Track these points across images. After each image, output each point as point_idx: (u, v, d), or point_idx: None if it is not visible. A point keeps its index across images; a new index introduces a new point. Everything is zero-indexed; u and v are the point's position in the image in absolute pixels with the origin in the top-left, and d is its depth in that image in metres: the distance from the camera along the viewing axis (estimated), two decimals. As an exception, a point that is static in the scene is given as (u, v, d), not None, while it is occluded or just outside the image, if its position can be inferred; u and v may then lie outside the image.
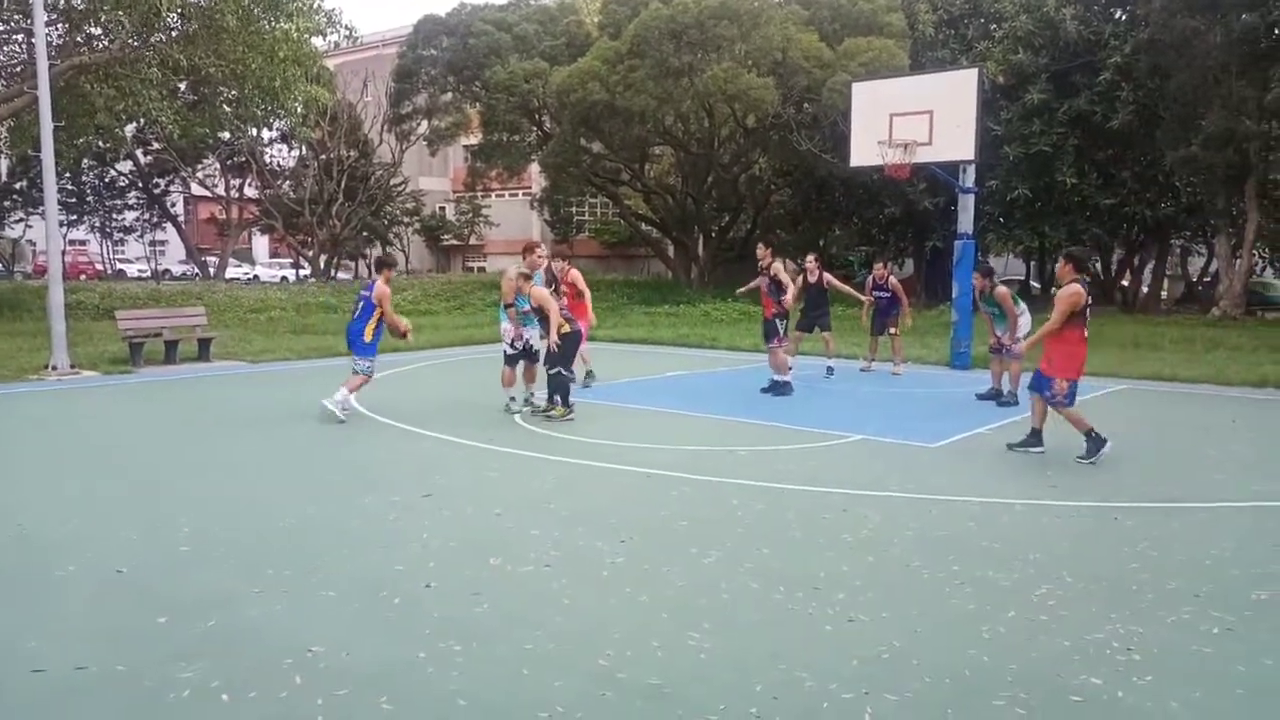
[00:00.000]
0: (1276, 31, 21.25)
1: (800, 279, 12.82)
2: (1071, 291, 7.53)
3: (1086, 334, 7.66)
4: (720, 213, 33.32)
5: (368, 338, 9.64)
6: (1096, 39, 24.36)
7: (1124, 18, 24.93)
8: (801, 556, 5.15)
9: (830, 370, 12.93)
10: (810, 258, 13.24)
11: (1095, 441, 7.56)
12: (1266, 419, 10.01)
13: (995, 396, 10.75)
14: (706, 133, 28.94)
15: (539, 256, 10.04)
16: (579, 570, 4.90)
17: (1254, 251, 25.73)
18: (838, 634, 4.10)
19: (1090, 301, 7.68)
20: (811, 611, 4.35)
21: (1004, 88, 24.57)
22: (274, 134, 34.98)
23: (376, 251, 42.60)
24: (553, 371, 9.52)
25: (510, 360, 9.92)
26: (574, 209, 41.81)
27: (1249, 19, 20.71)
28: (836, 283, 13.32)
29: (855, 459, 7.88)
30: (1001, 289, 10.67)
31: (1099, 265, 31.90)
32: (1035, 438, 7.93)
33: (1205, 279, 32.01)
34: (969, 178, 14.21)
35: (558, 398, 9.52)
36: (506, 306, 9.85)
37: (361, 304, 9.77)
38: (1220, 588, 4.67)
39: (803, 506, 6.21)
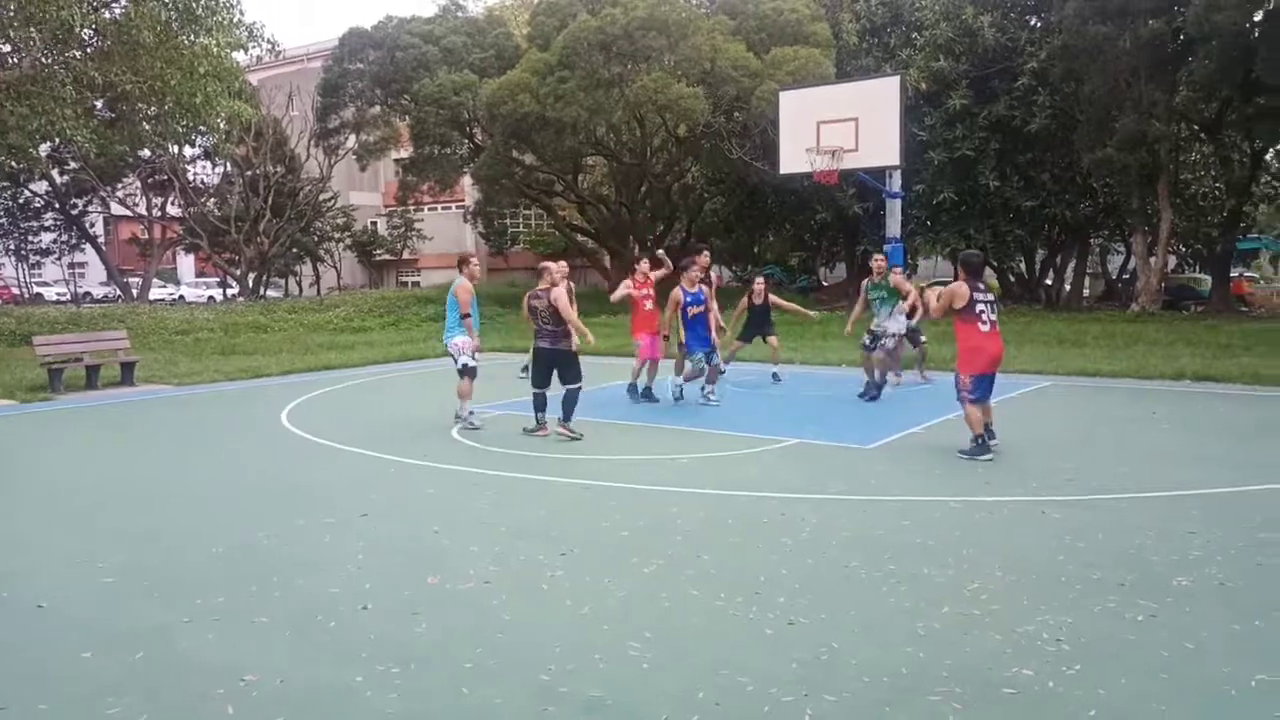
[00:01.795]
0: (1182, 37, 22.12)
1: (745, 299, 12.87)
2: (952, 287, 7.87)
3: (984, 329, 7.70)
4: (655, 222, 33.50)
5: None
6: (1013, 46, 25.10)
7: (1039, 25, 25.75)
8: (741, 561, 5.18)
9: (776, 376, 12.97)
10: (759, 280, 13.21)
11: (979, 446, 7.72)
12: (1184, 410, 10.38)
13: (878, 389, 11.13)
14: (639, 142, 29.09)
15: (475, 268, 10.14)
16: (519, 585, 4.87)
17: (1169, 248, 26.70)
18: (778, 637, 4.13)
19: (983, 299, 7.75)
20: (752, 616, 4.38)
21: (926, 94, 25.17)
22: (197, 151, 34.24)
23: (307, 268, 41.98)
24: (572, 387, 9.11)
25: (472, 372, 9.80)
26: (508, 221, 41.65)
27: (1155, 25, 21.55)
28: (782, 303, 13.37)
29: (793, 463, 7.96)
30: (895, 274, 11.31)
31: (1024, 265, 32.84)
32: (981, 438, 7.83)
33: (1124, 276, 33.13)
34: (895, 182, 14.51)
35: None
36: (464, 317, 9.74)
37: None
38: (1143, 576, 4.82)
39: (742, 512, 6.26)
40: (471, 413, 9.81)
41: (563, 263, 9.90)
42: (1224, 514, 5.96)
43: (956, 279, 8.04)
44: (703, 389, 10.95)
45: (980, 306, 7.74)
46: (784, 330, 20.96)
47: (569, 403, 9.09)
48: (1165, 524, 5.74)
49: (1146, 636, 4.06)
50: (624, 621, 4.33)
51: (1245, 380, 12.19)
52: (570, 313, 9.05)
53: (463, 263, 10.03)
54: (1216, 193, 27.71)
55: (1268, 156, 27.64)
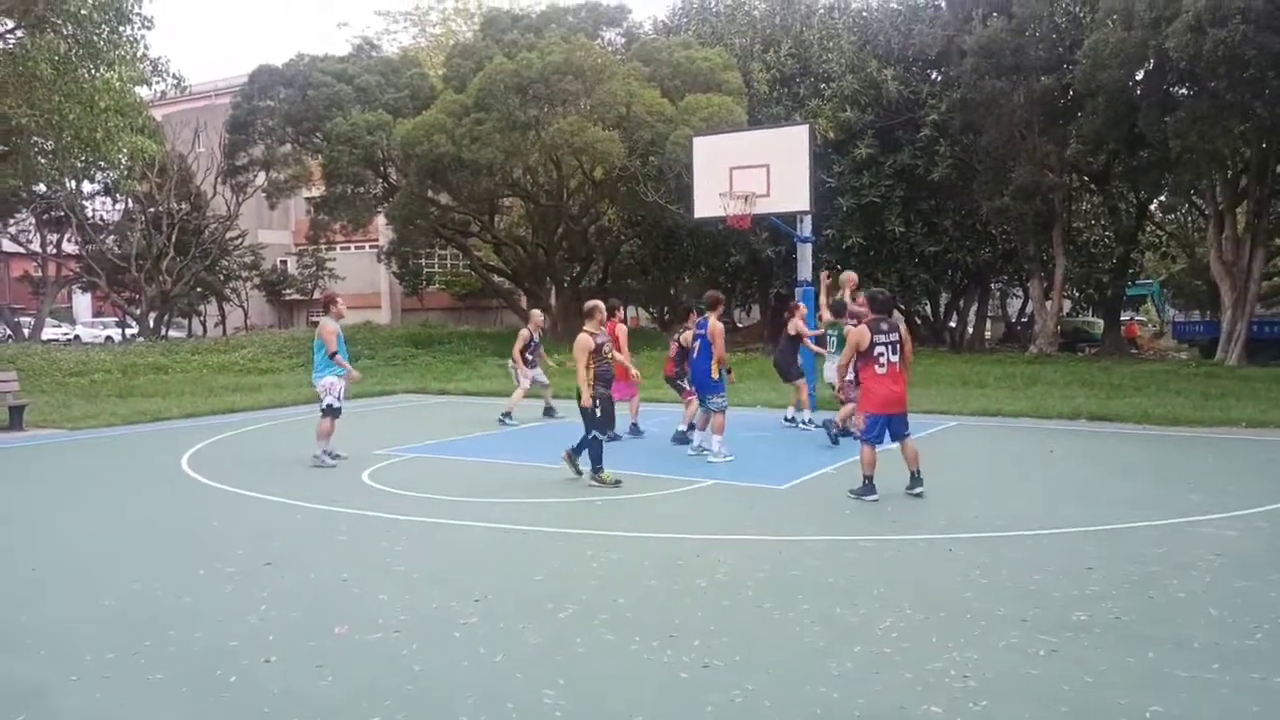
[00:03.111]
0: (1071, 93, 23.35)
1: (675, 344, 12.54)
2: (854, 331, 8.03)
3: (879, 371, 7.76)
4: (571, 263, 33.56)
5: (715, 376, 9.73)
6: (915, 98, 26.13)
7: (939, 79, 26.87)
8: (657, 605, 5.17)
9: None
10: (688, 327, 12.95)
11: (867, 488, 7.78)
12: (1080, 448, 10.79)
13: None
14: (555, 184, 29.20)
15: (341, 308, 10.40)
16: (430, 634, 4.75)
17: (1064, 293, 27.91)
18: (693, 680, 4.12)
19: (884, 340, 7.77)
20: (667, 660, 4.36)
21: (834, 142, 25.95)
22: (96, 187, 33.03)
23: (212, 308, 40.73)
24: (591, 436, 8.65)
25: (336, 413, 9.86)
26: (423, 261, 41.16)
27: (1047, 81, 22.70)
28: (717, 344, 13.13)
29: (709, 504, 8.00)
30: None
31: (929, 308, 33.90)
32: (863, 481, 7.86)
33: (1023, 319, 34.47)
34: (806, 227, 14.86)
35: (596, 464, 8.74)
36: (332, 356, 9.83)
37: (699, 344, 9.91)
38: (1045, 611, 4.96)
39: (658, 554, 6.25)
40: (326, 453, 9.91)
41: (340, 304, 10.29)
42: (1119, 549, 6.20)
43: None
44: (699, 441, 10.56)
45: (879, 349, 7.77)
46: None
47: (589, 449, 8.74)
48: (1065, 560, 5.94)
49: (1048, 671, 4.17)
50: (537, 669, 4.26)
51: (1136, 419, 12.75)
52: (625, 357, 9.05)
53: (329, 303, 10.34)
54: (1107, 240, 29.14)
55: (1152, 207, 29.25)
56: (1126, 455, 10.26)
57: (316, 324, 11.24)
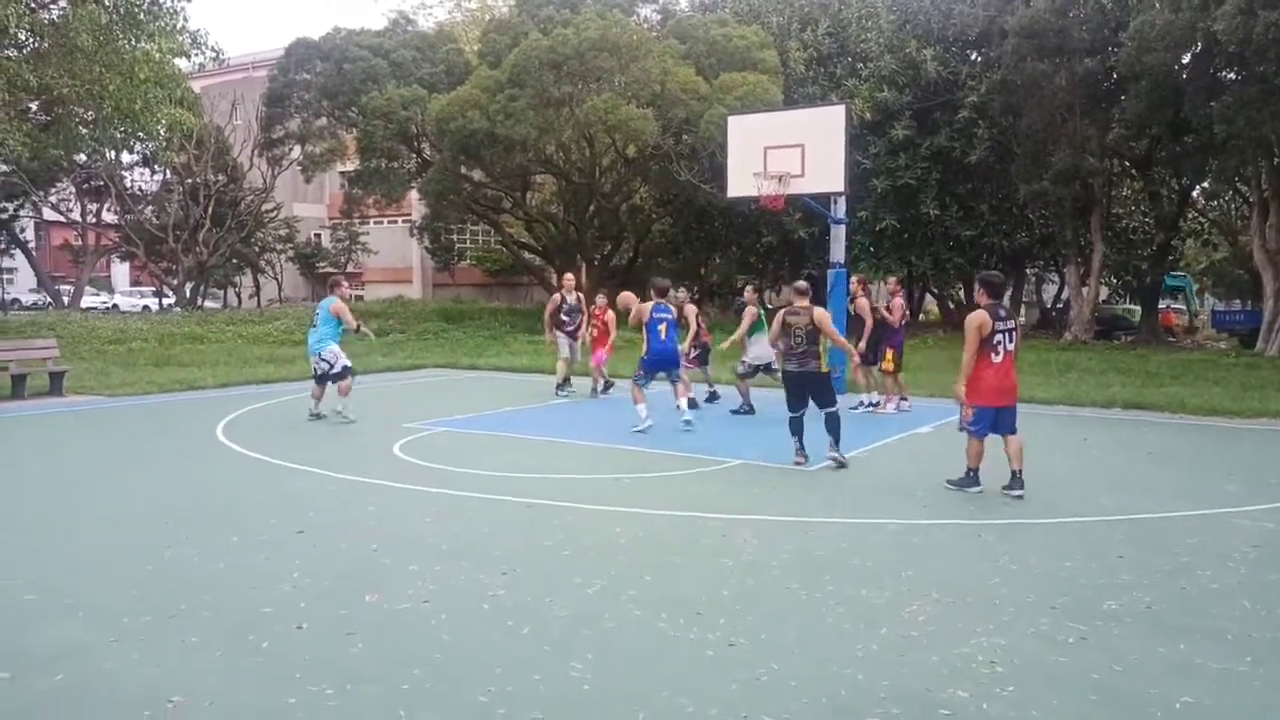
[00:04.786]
0: (1115, 76, 22.91)
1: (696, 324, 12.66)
2: (974, 316, 7.34)
3: (996, 359, 7.23)
4: (602, 241, 33.56)
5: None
6: (955, 79, 25.77)
7: (979, 60, 26.47)
8: (683, 582, 5.19)
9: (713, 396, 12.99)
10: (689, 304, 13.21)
11: (970, 479, 7.49)
12: (1114, 437, 10.67)
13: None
14: (588, 162, 29.15)
15: (345, 289, 11.82)
16: (459, 605, 4.81)
17: (1101, 280, 27.52)
18: (719, 658, 4.13)
19: (1003, 327, 7.25)
20: (693, 637, 4.38)
21: (871, 123, 25.68)
22: (135, 157, 33.45)
23: (247, 280, 41.16)
24: (832, 410, 8.45)
25: (352, 372, 11.37)
26: (455, 237, 41.33)
27: (1090, 64, 22.29)
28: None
29: (735, 484, 8.00)
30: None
31: (963, 293, 33.55)
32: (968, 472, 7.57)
33: (1059, 305, 34.04)
34: (840, 209, 14.73)
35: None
36: (356, 330, 11.32)
37: (666, 325, 10.60)
38: (1074, 599, 4.93)
39: (684, 532, 6.27)
40: (346, 408, 11.08)
41: (344, 286, 11.87)
42: (1151, 539, 6.13)
43: (977, 300, 7.54)
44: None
45: (999, 336, 7.20)
46: (731, 351, 21.14)
47: (835, 427, 8.43)
48: (1096, 548, 5.89)
49: (1077, 659, 4.14)
50: (565, 642, 4.30)
51: (1172, 409, 12.57)
52: (837, 335, 8.75)
53: (335, 286, 11.93)
54: (1147, 227, 28.67)
55: (1194, 193, 28.70)
56: (1162, 445, 10.13)
57: (351, 298, 12.31)
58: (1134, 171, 27.22)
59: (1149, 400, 13.13)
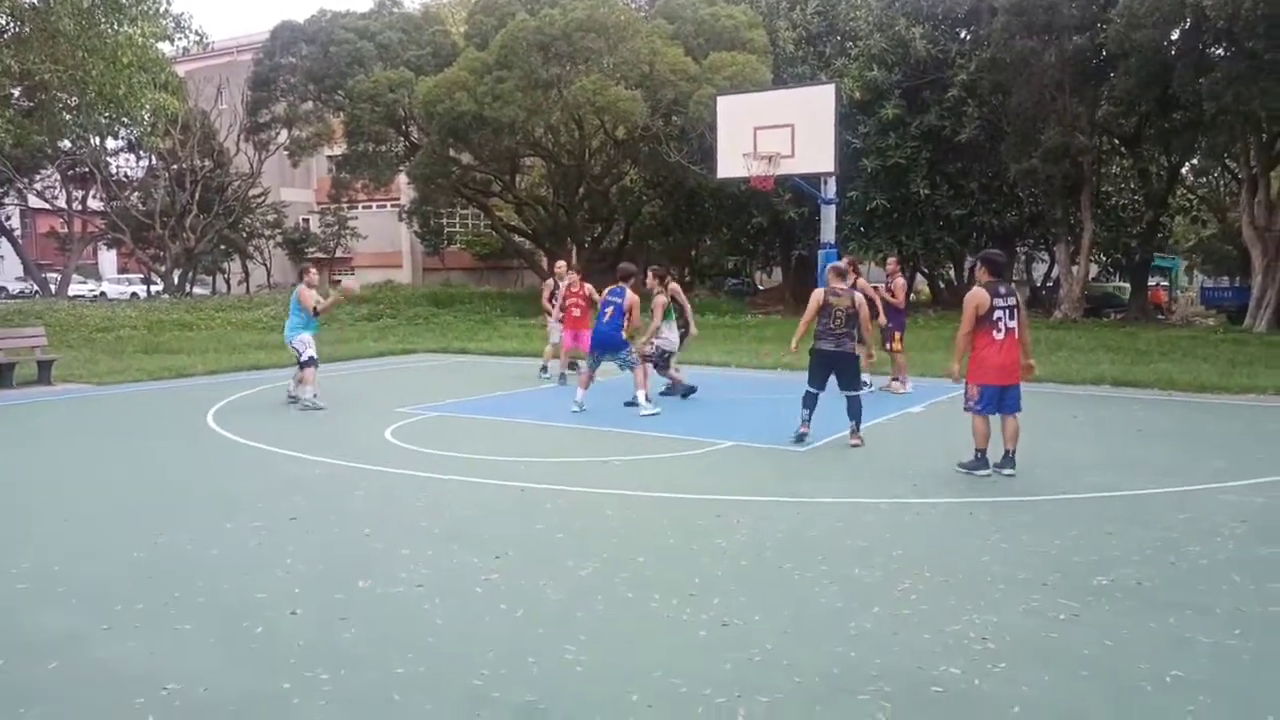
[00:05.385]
0: (1104, 53, 22.87)
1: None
2: (972, 294, 7.41)
3: (997, 337, 7.23)
4: (592, 223, 33.47)
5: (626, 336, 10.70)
6: (944, 57, 25.70)
7: (968, 38, 26.40)
8: (677, 564, 5.20)
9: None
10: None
11: (979, 461, 7.43)
12: (1103, 414, 10.72)
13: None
14: (577, 144, 29.04)
15: (313, 277, 11.84)
16: (452, 589, 4.81)
17: (1090, 257, 27.57)
18: (712, 639, 4.15)
19: (1003, 304, 7.26)
20: (686, 618, 4.39)
21: (860, 103, 25.62)
22: (120, 143, 33.20)
23: (236, 266, 40.96)
24: (856, 394, 8.64)
25: (315, 363, 11.20)
26: (444, 220, 41.19)
27: (1080, 41, 22.25)
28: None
29: (728, 465, 8.02)
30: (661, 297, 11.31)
31: (953, 272, 33.60)
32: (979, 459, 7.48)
33: (1048, 284, 34.11)
34: (830, 189, 14.72)
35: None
36: (315, 314, 11.23)
37: (613, 309, 10.64)
38: (1065, 576, 4.96)
39: (678, 514, 6.28)
40: (315, 395, 11.06)
41: (312, 273, 11.67)
42: (1140, 515, 6.17)
43: (978, 278, 7.56)
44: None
45: (998, 314, 7.22)
46: (722, 333, 21.18)
47: (858, 410, 8.61)
48: (1086, 525, 5.92)
49: (1068, 635, 4.17)
50: (558, 625, 4.31)
51: (1160, 386, 12.63)
52: (868, 320, 8.82)
53: (303, 273, 12.04)
54: (1136, 204, 28.72)
55: (1184, 170, 28.74)
56: (1150, 421, 10.18)
57: (339, 282, 12.27)
58: (1123, 149, 27.24)
59: (1138, 377, 13.19)
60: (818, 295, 8.63)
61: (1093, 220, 25.29)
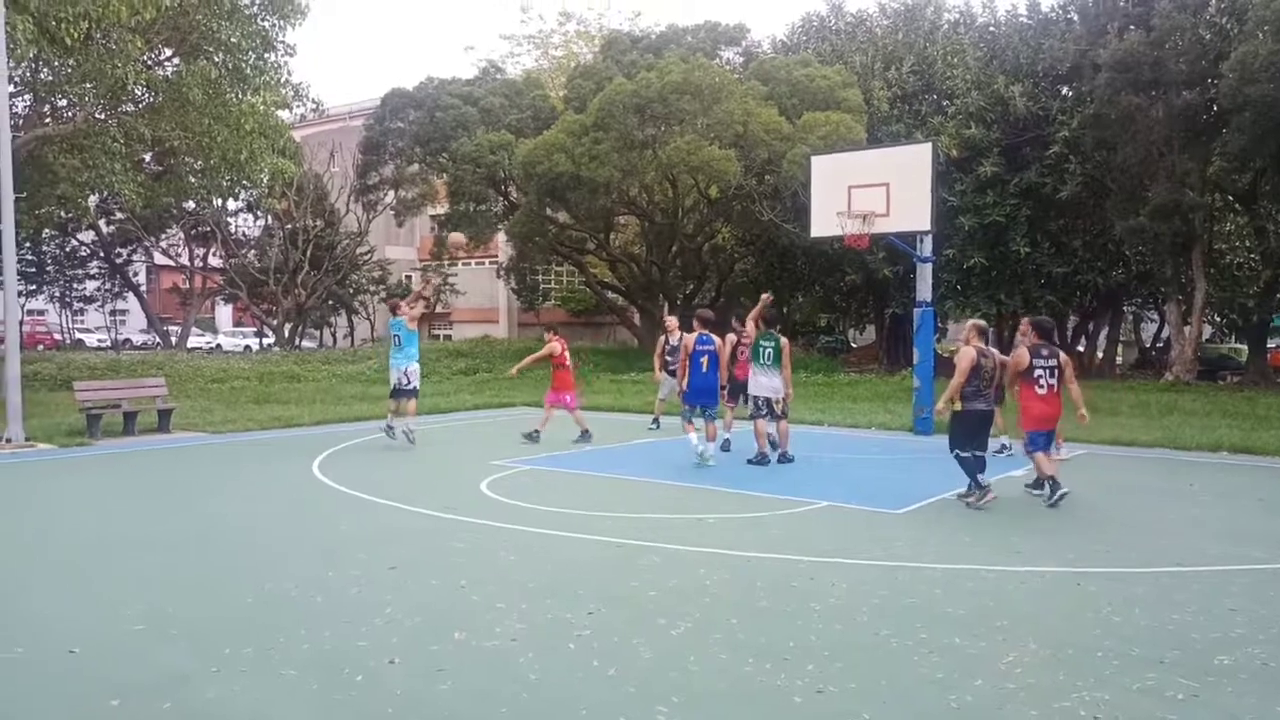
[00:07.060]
0: (1215, 108, 22.16)
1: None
2: (1017, 353, 8.72)
3: (1040, 392, 8.49)
4: (685, 280, 33.69)
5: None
6: (1044, 114, 25.26)
7: (1070, 95, 25.90)
8: (770, 626, 5.12)
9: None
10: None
11: (1053, 487, 8.41)
12: (1222, 482, 10.19)
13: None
14: (670, 203, 29.42)
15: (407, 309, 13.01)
16: (545, 643, 4.84)
17: (1204, 318, 26.41)
18: (807, 705, 4.07)
19: (1043, 365, 8.50)
20: (780, 683, 4.31)
21: (958, 161, 25.32)
22: (239, 204, 35.08)
23: (342, 320, 42.53)
24: (981, 454, 8.62)
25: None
26: (540, 277, 42.04)
27: (1189, 96, 21.62)
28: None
29: (822, 526, 7.89)
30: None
31: (1055, 332, 32.55)
32: (1048, 483, 8.58)
33: (1158, 345, 32.76)
34: (926, 247, 14.54)
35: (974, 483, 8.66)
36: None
37: (707, 358, 10.75)
38: (1184, 653, 4.70)
39: (770, 575, 6.20)
40: (410, 430, 12.31)
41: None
42: (1266, 592, 5.82)
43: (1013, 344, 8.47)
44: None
45: (1039, 372, 8.46)
46: (814, 391, 20.94)
47: (981, 469, 8.65)
48: (1206, 600, 5.62)
49: (1187, 716, 3.95)
50: (651, 684, 4.29)
51: (1285, 453, 11.95)
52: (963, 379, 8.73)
53: (395, 308, 13.32)
54: (1252, 263, 27.46)
55: (1304, 227, 27.39)
56: (1273, 491, 9.63)
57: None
58: (1237, 205, 26.16)
59: (1258, 444, 12.52)
60: (969, 355, 8.56)
61: (1205, 279, 24.26)
